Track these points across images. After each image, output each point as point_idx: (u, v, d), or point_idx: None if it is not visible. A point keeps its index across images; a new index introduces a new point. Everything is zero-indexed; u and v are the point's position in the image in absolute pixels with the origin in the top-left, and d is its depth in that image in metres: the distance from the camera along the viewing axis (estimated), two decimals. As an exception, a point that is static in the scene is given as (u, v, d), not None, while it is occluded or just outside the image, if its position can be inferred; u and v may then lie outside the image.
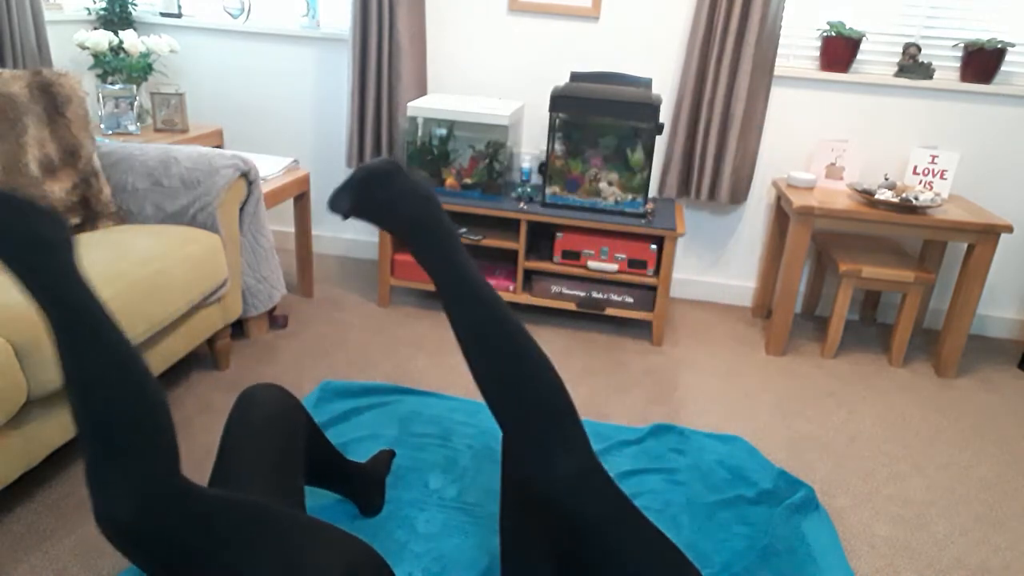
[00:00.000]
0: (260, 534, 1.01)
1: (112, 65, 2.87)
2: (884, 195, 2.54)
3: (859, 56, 2.82)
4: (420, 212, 1.25)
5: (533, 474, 1.13)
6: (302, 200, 2.77)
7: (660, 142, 2.99)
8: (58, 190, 2.00)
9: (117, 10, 3.12)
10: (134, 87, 2.87)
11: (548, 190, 2.72)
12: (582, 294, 2.73)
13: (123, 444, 0.96)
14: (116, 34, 2.90)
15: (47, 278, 0.99)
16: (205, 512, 0.98)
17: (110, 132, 2.82)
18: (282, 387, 1.41)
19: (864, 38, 2.77)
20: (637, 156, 2.66)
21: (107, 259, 1.81)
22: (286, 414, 1.36)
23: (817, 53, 2.86)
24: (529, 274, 2.81)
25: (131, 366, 1.00)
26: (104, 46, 2.82)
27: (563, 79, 2.99)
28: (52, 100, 2.03)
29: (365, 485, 1.69)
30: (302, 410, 1.42)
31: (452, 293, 1.22)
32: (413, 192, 1.25)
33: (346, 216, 1.25)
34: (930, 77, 2.75)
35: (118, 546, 0.96)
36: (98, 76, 2.92)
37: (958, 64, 2.78)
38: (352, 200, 1.24)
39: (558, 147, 2.70)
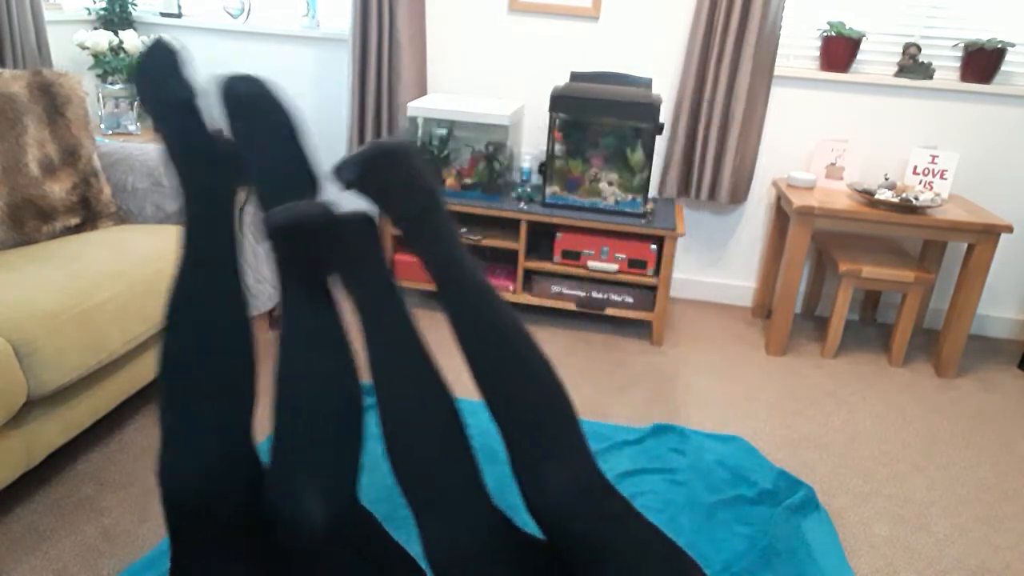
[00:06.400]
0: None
1: (112, 65, 2.87)
2: (884, 195, 2.54)
3: (859, 56, 2.82)
4: (419, 208, 1.17)
5: (525, 493, 1.05)
6: (302, 200, 2.77)
7: (660, 142, 2.99)
8: (58, 190, 2.00)
9: (117, 10, 3.12)
10: (134, 87, 2.87)
11: (548, 190, 2.72)
12: (582, 294, 2.73)
13: (326, 455, 1.07)
14: (116, 34, 2.91)
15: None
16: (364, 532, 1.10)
17: (110, 132, 2.82)
18: None
19: (864, 38, 2.77)
20: (637, 156, 2.66)
21: (107, 259, 1.81)
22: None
23: (817, 53, 2.86)
24: (529, 274, 2.81)
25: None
26: (104, 46, 2.82)
27: (563, 79, 2.99)
28: (52, 100, 2.03)
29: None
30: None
31: (447, 294, 1.17)
32: (417, 184, 1.17)
33: (347, 187, 1.16)
34: (930, 77, 2.75)
35: (299, 544, 1.03)
36: (98, 76, 2.92)
37: (958, 64, 2.78)
38: (357, 173, 1.15)
39: (558, 147, 2.70)
